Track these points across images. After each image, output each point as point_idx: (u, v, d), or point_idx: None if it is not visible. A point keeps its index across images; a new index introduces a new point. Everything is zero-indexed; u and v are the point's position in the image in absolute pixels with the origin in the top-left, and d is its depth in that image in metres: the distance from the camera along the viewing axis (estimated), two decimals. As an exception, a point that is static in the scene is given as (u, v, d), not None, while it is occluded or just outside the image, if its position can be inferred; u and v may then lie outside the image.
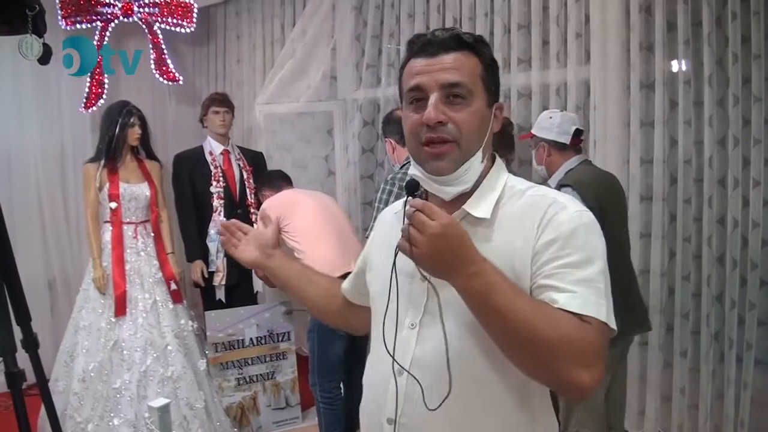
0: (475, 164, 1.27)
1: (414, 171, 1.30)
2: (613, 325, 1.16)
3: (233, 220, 1.64)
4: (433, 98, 1.24)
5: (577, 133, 2.81)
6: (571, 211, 1.21)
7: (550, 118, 2.85)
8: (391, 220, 1.45)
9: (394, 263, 1.23)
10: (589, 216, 1.23)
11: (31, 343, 1.76)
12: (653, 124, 3.20)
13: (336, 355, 3.35)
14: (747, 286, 2.97)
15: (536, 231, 1.20)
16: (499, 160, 1.35)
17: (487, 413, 1.24)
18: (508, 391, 1.24)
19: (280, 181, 3.88)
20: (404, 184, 1.22)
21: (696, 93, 3.09)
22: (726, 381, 3.05)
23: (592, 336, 1.11)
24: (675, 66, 3.19)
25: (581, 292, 1.14)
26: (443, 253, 1.09)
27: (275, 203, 3.57)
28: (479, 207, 1.27)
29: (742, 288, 2.98)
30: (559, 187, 2.64)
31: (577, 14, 3.40)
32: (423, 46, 1.28)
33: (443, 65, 1.25)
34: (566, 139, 2.78)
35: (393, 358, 1.26)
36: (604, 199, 2.61)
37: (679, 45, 3.09)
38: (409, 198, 1.16)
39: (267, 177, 4.03)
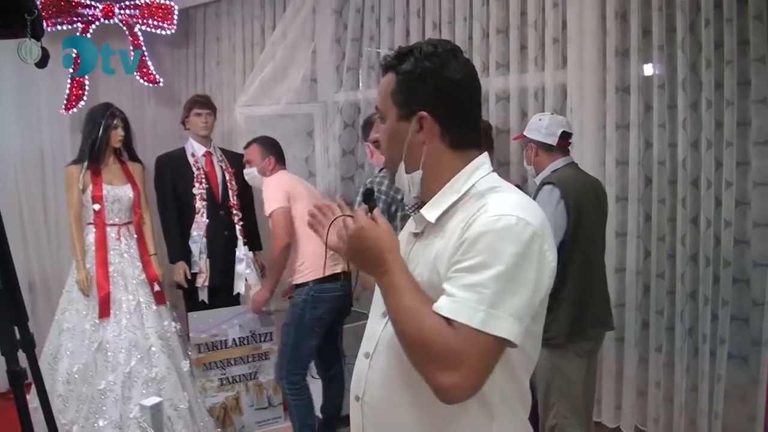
0: (402, 174, 1.37)
1: None
2: (497, 332, 1.14)
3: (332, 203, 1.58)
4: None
5: (564, 136, 2.86)
6: (489, 215, 1.19)
7: (540, 120, 2.91)
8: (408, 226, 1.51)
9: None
10: (507, 221, 1.18)
11: (29, 343, 1.78)
12: (629, 126, 3.27)
13: (309, 349, 3.45)
14: (720, 284, 3.02)
15: (459, 234, 1.22)
16: (474, 164, 1.34)
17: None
18: None
19: (275, 150, 3.80)
20: (363, 191, 1.34)
21: (670, 97, 3.16)
22: (700, 375, 3.11)
23: (456, 341, 1.14)
24: (650, 70, 3.25)
25: (462, 296, 1.16)
26: (358, 253, 1.27)
27: (286, 183, 3.59)
28: (431, 211, 1.33)
29: (715, 285, 3.04)
30: (542, 184, 2.72)
31: (555, 20, 3.46)
32: None
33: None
34: (553, 141, 2.84)
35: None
36: (584, 200, 2.69)
37: (653, 50, 3.16)
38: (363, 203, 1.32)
39: (266, 141, 3.88)
